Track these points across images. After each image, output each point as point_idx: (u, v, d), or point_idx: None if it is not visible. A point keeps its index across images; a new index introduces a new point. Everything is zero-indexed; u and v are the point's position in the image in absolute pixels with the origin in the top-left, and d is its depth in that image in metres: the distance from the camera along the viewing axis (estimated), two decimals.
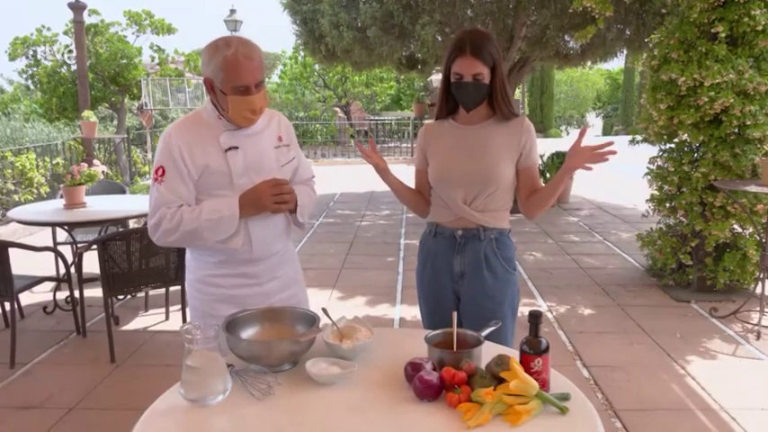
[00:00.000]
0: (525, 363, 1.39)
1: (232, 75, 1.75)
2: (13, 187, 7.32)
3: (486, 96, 1.93)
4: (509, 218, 2.07)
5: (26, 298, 4.37)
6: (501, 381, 1.35)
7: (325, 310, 1.70)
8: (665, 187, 4.68)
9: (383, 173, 2.02)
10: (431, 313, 2.14)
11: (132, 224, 5.01)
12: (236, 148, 1.85)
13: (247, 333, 1.61)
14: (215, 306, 1.89)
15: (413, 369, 1.41)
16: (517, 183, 2.02)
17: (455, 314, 1.57)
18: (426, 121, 2.15)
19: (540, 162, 2.08)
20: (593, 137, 28.92)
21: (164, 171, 1.81)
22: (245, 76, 1.76)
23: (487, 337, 1.57)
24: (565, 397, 1.36)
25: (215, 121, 1.87)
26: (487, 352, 1.48)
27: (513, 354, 1.48)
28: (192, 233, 1.80)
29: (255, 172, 1.86)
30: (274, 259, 1.99)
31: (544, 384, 1.39)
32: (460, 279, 2.03)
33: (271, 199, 1.83)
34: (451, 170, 1.98)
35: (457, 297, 2.05)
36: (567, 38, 7.90)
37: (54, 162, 8.22)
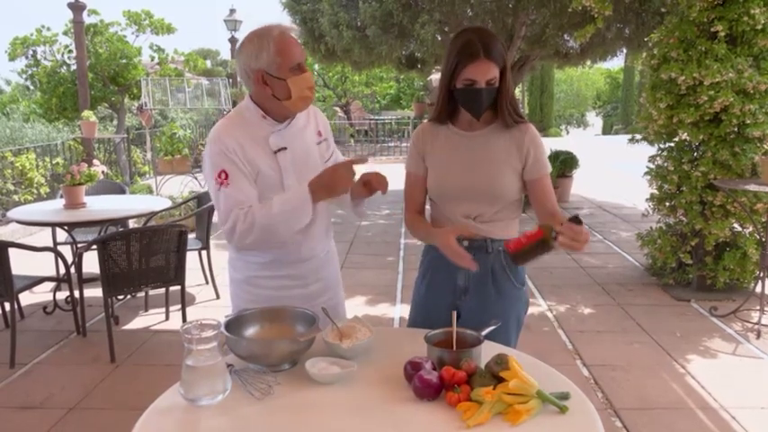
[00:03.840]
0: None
1: (287, 54, 1.73)
2: (12, 187, 7.32)
3: (493, 100, 1.78)
4: (517, 225, 1.92)
5: (26, 298, 4.37)
6: (501, 380, 1.35)
7: (324, 310, 1.70)
8: (665, 186, 4.68)
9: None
10: (419, 326, 1.90)
11: (132, 224, 5.01)
12: (285, 149, 1.82)
13: (247, 333, 1.61)
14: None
15: (412, 368, 1.41)
16: (528, 195, 1.86)
17: (454, 313, 1.57)
18: (423, 122, 2.03)
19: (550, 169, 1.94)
20: (593, 136, 28.95)
21: (227, 174, 1.73)
22: (297, 52, 1.75)
23: (486, 338, 1.56)
24: (564, 396, 1.36)
25: (260, 121, 1.81)
26: (487, 351, 1.48)
27: (513, 353, 1.48)
28: (267, 230, 1.73)
29: (303, 171, 1.81)
30: (319, 260, 1.98)
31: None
32: (463, 295, 1.88)
33: (344, 181, 1.75)
34: (452, 184, 1.83)
35: (458, 313, 1.81)
36: (566, 37, 7.90)
37: (54, 162, 8.22)
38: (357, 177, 1.82)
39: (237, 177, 1.74)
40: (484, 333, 1.56)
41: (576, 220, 1.49)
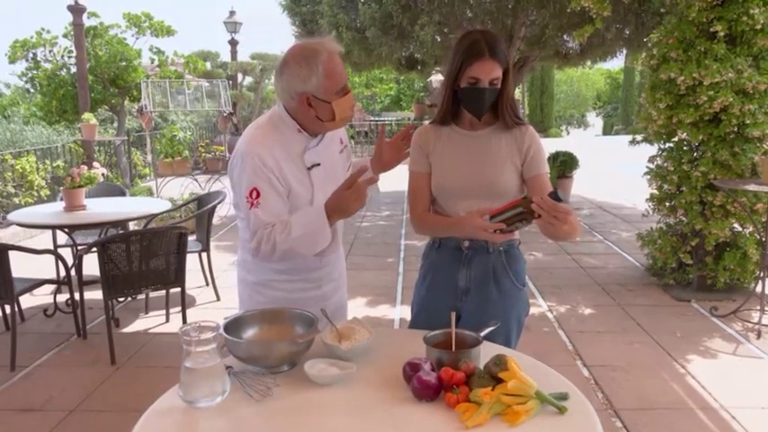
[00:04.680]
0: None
1: (335, 79, 1.71)
2: (13, 190, 7.33)
3: (494, 101, 1.82)
4: None
5: (26, 301, 4.38)
6: (499, 381, 1.35)
7: (323, 311, 1.70)
8: (665, 186, 4.68)
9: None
10: (420, 329, 1.91)
11: (132, 226, 5.01)
12: (318, 165, 1.81)
13: (246, 334, 1.61)
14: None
15: (411, 369, 1.41)
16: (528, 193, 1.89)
17: (453, 314, 1.57)
18: (425, 122, 2.04)
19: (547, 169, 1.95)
20: (594, 136, 28.93)
21: (258, 193, 1.71)
22: (343, 74, 1.74)
23: (486, 340, 1.56)
24: (563, 396, 1.36)
25: (295, 135, 1.79)
26: (486, 352, 1.48)
27: (512, 354, 1.48)
28: (288, 252, 1.74)
29: (331, 186, 1.77)
30: (333, 261, 1.99)
31: None
32: (464, 296, 1.90)
33: (357, 204, 1.72)
34: (455, 181, 1.86)
35: (458, 315, 1.85)
36: (566, 37, 7.91)
37: (54, 165, 8.23)
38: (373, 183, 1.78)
39: (269, 195, 1.73)
40: (483, 334, 1.56)
41: (554, 195, 1.52)
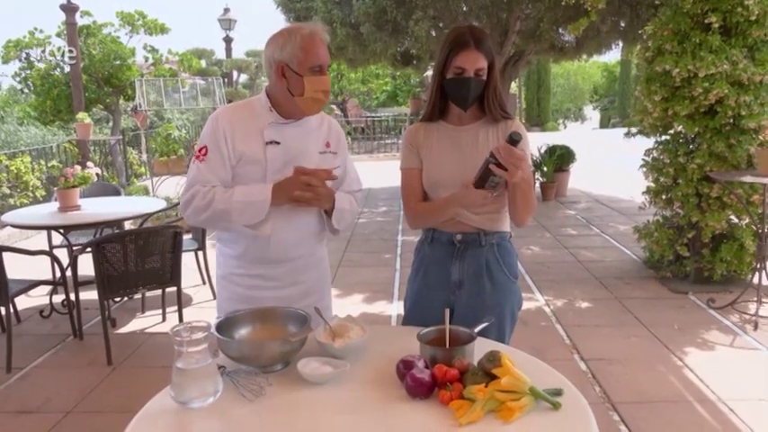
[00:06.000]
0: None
1: (310, 54, 1.78)
2: (8, 191, 7.30)
3: (480, 95, 1.85)
4: (508, 218, 1.94)
5: (22, 302, 4.36)
6: (493, 377, 1.34)
7: (317, 310, 1.70)
8: (661, 179, 4.68)
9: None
10: (414, 323, 1.88)
11: (128, 226, 4.99)
12: (278, 143, 1.84)
13: (239, 333, 1.60)
14: (236, 306, 1.79)
15: (405, 367, 1.40)
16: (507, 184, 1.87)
17: (447, 311, 1.56)
18: (415, 122, 2.04)
19: (536, 155, 1.96)
20: (591, 129, 28.92)
21: (206, 151, 1.83)
22: (321, 54, 1.80)
23: (480, 335, 1.56)
24: (558, 392, 1.35)
25: (265, 113, 1.86)
26: (480, 347, 1.47)
27: (506, 350, 1.47)
28: (222, 213, 1.79)
29: (290, 170, 1.80)
30: (296, 263, 1.95)
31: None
32: (458, 289, 1.90)
33: (296, 186, 1.76)
34: (443, 173, 1.88)
35: (451, 309, 1.80)
36: (561, 31, 7.89)
37: (50, 165, 8.19)
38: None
39: (214, 158, 1.82)
40: (477, 330, 1.55)
41: (510, 137, 1.60)
